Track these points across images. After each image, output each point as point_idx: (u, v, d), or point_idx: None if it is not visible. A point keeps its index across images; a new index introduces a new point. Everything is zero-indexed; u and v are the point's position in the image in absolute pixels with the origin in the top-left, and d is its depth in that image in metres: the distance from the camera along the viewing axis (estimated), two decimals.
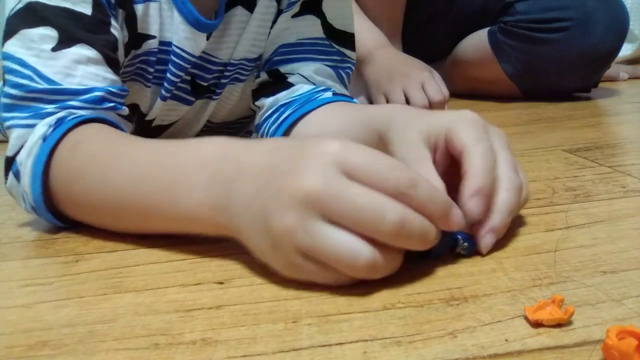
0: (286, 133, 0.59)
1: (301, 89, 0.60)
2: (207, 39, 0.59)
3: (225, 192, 0.35)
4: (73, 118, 0.45)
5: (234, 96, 0.68)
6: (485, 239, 0.37)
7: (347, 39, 0.64)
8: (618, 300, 0.32)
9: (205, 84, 0.64)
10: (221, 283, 0.36)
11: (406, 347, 0.28)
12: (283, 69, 0.62)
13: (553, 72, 1.00)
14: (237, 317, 0.32)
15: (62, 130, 0.44)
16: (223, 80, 0.65)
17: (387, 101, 0.95)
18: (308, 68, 0.61)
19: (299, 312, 0.32)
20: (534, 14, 0.99)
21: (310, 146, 0.33)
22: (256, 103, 0.64)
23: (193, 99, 0.64)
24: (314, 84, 0.61)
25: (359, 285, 0.34)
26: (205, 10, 0.58)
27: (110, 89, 0.48)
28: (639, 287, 0.33)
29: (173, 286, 0.36)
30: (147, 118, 0.63)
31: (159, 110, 0.63)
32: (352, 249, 0.31)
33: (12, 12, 0.48)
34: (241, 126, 0.76)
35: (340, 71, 0.64)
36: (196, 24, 0.57)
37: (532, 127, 0.81)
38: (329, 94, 0.59)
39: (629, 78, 1.27)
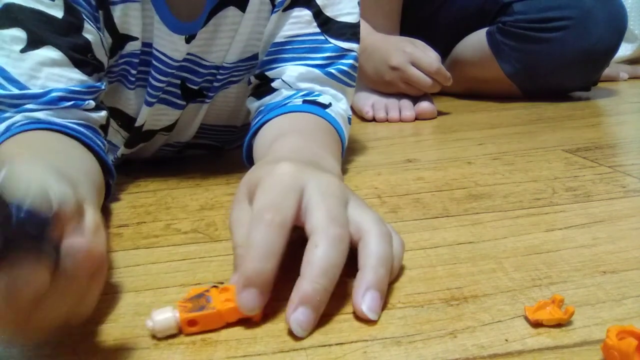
0: (251, 138, 0.57)
1: (281, 94, 0.59)
2: (188, 42, 0.58)
3: None
4: (19, 126, 0.47)
5: (230, 98, 0.66)
6: (366, 299, 0.31)
7: (346, 30, 0.60)
8: (618, 300, 0.32)
9: (195, 87, 0.63)
10: (221, 283, 0.36)
11: (406, 347, 0.28)
12: (269, 72, 0.60)
13: (552, 71, 1.00)
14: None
15: (3, 139, 0.46)
16: (215, 84, 0.63)
17: None
18: (292, 74, 0.59)
19: None
20: (532, 14, 0.99)
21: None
22: (247, 104, 0.63)
23: (184, 102, 0.63)
24: (297, 90, 0.59)
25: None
26: (188, 11, 0.57)
27: (73, 88, 0.49)
28: (639, 287, 0.33)
29: (173, 286, 0.36)
30: (137, 124, 0.62)
31: (147, 116, 0.62)
32: None
33: None
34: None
35: (333, 69, 0.60)
36: (172, 26, 0.56)
37: (532, 127, 0.81)
38: (298, 101, 0.57)
39: (629, 78, 1.27)
